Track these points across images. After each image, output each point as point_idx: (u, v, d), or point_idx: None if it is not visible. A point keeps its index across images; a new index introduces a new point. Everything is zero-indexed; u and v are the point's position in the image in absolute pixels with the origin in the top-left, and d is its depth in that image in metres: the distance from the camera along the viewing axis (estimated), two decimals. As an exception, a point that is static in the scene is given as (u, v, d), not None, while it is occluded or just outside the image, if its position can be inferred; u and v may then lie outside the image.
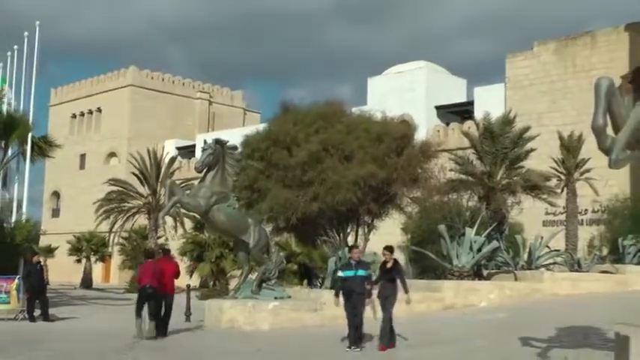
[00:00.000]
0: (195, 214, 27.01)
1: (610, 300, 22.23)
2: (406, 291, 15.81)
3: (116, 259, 63.28)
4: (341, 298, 15.85)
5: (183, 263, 39.58)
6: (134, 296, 20.82)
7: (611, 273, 27.58)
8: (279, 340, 16.43)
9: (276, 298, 20.20)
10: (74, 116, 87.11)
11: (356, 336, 15.36)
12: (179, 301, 22.03)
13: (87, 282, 57.41)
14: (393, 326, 15.52)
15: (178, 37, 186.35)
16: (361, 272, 15.54)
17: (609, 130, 10.19)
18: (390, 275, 15.70)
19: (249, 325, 19.77)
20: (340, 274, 16.10)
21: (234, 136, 32.41)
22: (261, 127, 40.08)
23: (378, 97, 57.21)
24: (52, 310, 24.08)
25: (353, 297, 15.43)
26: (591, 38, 51.88)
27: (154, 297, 18.65)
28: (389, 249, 16.21)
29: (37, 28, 41.48)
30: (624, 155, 9.82)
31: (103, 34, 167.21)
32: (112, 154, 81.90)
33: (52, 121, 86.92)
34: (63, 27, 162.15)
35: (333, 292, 16.56)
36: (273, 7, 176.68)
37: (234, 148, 22.80)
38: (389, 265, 15.77)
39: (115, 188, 53.93)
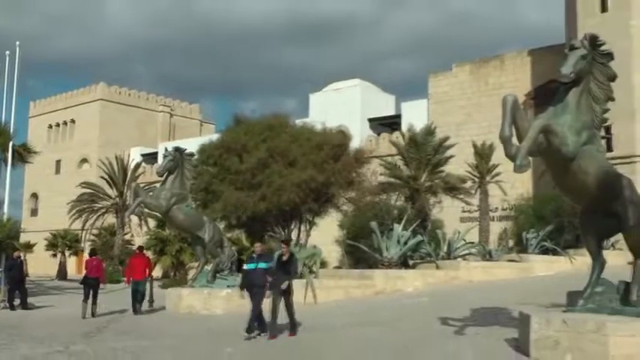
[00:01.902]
0: (157, 213, 26.74)
1: (516, 284, 22.50)
2: (289, 283, 14.61)
3: (88, 253, 62.67)
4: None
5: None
6: (104, 286, 21.57)
7: (516, 261, 27.85)
8: (230, 321, 16.28)
9: (228, 286, 20.13)
10: (50, 126, 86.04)
11: (261, 323, 14.35)
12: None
13: (62, 274, 56.53)
14: (295, 315, 14.61)
15: (143, 56, 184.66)
16: (262, 265, 14.65)
17: (514, 140, 10.36)
18: (285, 268, 14.67)
19: (205, 310, 19.78)
20: (245, 267, 15.24)
21: (191, 145, 32.22)
22: (216, 136, 40.02)
23: (319, 111, 57.30)
24: (30, 300, 23.70)
25: (254, 289, 14.50)
26: (500, 61, 52.61)
27: (96, 286, 20.64)
28: (286, 242, 15.83)
29: (17, 48, 40.87)
30: (527, 161, 9.97)
31: (77, 53, 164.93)
32: (84, 160, 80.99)
33: (31, 130, 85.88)
34: (41, 45, 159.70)
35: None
36: (227, 28, 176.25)
37: (192, 155, 22.73)
38: (284, 258, 14.80)
39: (86, 190, 53.84)
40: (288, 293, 14.55)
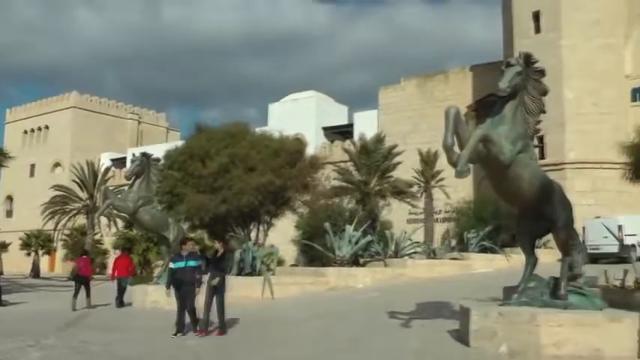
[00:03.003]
0: (125, 215, 26.54)
1: (457, 281, 22.70)
2: (221, 280, 13.77)
3: (60, 253, 62.39)
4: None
5: (115, 255, 38.86)
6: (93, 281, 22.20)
7: (458, 259, 28.13)
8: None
9: (191, 283, 20.04)
10: (26, 132, 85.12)
11: (193, 322, 13.70)
12: (112, 285, 22.07)
13: (35, 272, 55.67)
14: (224, 314, 13.79)
15: (114, 65, 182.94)
16: (191, 263, 13.79)
17: (456, 148, 10.51)
18: (218, 264, 13.92)
19: (169, 305, 19.50)
20: (171, 265, 14.25)
21: (158, 151, 31.94)
22: (180, 143, 39.78)
23: (277, 120, 57.38)
24: (4, 296, 23.28)
25: (183, 287, 13.67)
26: (445, 76, 53.27)
27: (87, 282, 21.18)
28: (221, 240, 15.23)
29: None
30: (467, 168, 10.12)
31: (51, 61, 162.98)
32: (57, 164, 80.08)
33: (7, 136, 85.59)
34: (18, 54, 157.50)
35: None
36: (191, 40, 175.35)
37: (158, 160, 22.61)
38: (219, 254, 14.13)
39: (59, 193, 53.20)
40: (221, 291, 13.77)
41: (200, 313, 13.76)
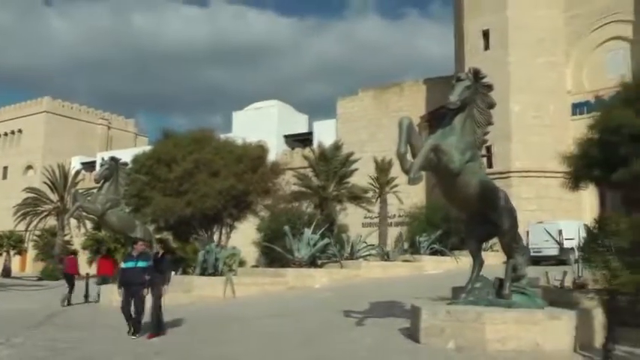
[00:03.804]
0: (93, 216, 26.26)
1: (409, 281, 22.82)
2: (167, 281, 13.36)
3: (31, 253, 61.18)
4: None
5: (84, 255, 38.36)
6: (46, 283, 21.91)
7: (410, 261, 28.28)
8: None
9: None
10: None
11: (136, 323, 13.06)
12: (80, 285, 21.80)
13: (6, 272, 54.61)
14: (162, 315, 13.26)
15: (85, 71, 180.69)
16: (141, 263, 13.19)
17: (409, 157, 10.61)
18: (159, 266, 13.34)
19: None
20: (122, 265, 13.68)
21: (126, 155, 31.76)
22: (148, 148, 39.42)
23: (241, 127, 57.24)
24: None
25: (132, 288, 13.08)
26: (400, 88, 53.59)
27: (72, 279, 21.35)
28: (161, 241, 14.69)
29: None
30: (419, 175, 10.23)
31: (25, 66, 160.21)
32: (29, 167, 78.87)
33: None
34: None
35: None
36: (159, 49, 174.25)
37: (126, 164, 22.49)
38: (158, 256, 13.66)
39: (30, 195, 52.38)
40: (158, 293, 13.13)
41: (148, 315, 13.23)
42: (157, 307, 13.05)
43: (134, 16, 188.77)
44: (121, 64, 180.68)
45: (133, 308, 13.14)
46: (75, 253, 25.26)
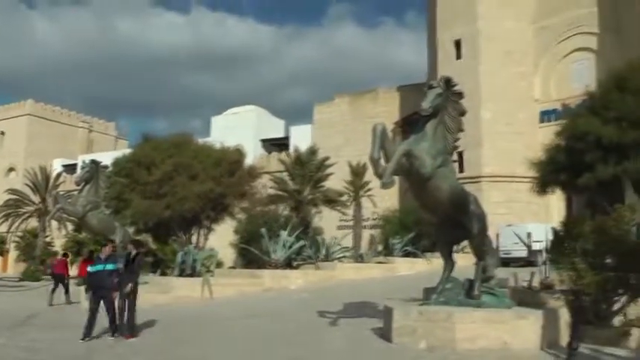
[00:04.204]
0: (74, 218, 26.04)
1: (382, 282, 22.94)
2: (134, 282, 12.72)
3: (12, 254, 60.46)
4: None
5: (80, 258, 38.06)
6: (28, 284, 21.72)
7: (383, 263, 28.39)
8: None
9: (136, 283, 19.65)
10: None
11: (112, 324, 12.58)
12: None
13: (-12, 273, 54.22)
14: (135, 316, 12.77)
15: (67, 74, 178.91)
16: (110, 266, 12.71)
17: (382, 162, 10.66)
18: (131, 267, 12.74)
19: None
20: (89, 269, 13.06)
21: (106, 158, 31.49)
22: (128, 151, 39.16)
23: (219, 131, 57.14)
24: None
25: (101, 291, 12.56)
26: (375, 94, 53.83)
27: (63, 280, 21.38)
28: (135, 242, 13.92)
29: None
30: (391, 179, 10.28)
31: (8, 70, 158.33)
32: (12, 169, 77.84)
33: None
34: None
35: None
36: (142, 53, 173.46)
37: (106, 167, 22.33)
38: (131, 257, 12.95)
39: (12, 196, 51.62)
40: (132, 294, 12.60)
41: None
42: (132, 308, 12.58)
43: (117, 21, 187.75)
44: (103, 68, 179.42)
45: (105, 313, 12.60)
46: (66, 255, 25.04)
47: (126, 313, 12.54)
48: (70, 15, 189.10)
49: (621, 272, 11.54)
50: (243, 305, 18.31)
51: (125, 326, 12.51)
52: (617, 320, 12.08)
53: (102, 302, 12.68)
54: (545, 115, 41.41)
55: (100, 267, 12.80)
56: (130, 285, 12.54)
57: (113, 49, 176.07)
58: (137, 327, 12.93)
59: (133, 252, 12.98)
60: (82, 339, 12.10)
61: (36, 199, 50.96)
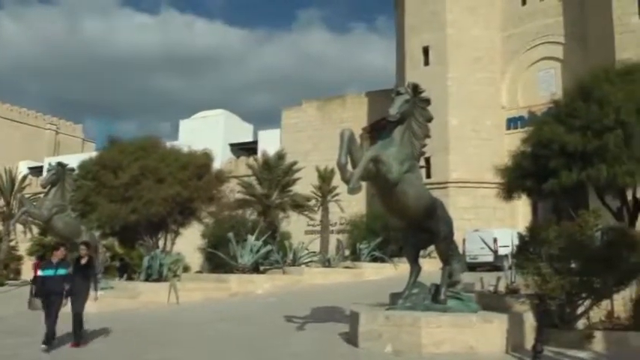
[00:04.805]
0: (40, 222, 25.68)
1: (349, 287, 22.92)
2: (95, 288, 12.42)
3: (-24, 257, 59.19)
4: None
5: (30, 261, 37.40)
6: None
7: (351, 268, 28.40)
8: (100, 320, 15.67)
9: (102, 288, 19.41)
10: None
11: (49, 334, 11.68)
12: (26, 290, 21.30)
13: (-47, 277, 52.86)
14: (84, 323, 12.23)
15: (34, 75, 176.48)
16: (61, 271, 11.97)
17: (350, 167, 10.70)
18: (84, 272, 12.18)
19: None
20: (40, 273, 12.27)
21: (73, 161, 31.09)
22: (95, 154, 38.74)
23: (187, 135, 56.74)
24: None
25: (52, 297, 11.80)
26: (343, 100, 53.98)
27: None
28: (86, 244, 13.01)
29: None
30: (358, 185, 10.32)
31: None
32: (-24, 171, 76.58)
33: None
34: None
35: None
36: (110, 55, 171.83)
37: (73, 170, 22.07)
38: (83, 261, 12.33)
39: (-24, 199, 50.48)
40: (81, 300, 12.04)
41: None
42: (80, 315, 12.01)
43: (86, 22, 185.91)
44: (71, 69, 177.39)
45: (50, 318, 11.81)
46: (44, 257, 24.68)
47: (73, 321, 11.97)
48: (38, 15, 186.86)
49: (585, 276, 11.74)
50: (209, 310, 18.23)
51: (73, 334, 11.98)
52: (581, 323, 12.29)
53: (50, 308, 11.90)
54: (512, 122, 41.92)
55: (50, 272, 12.05)
56: (94, 293, 12.29)
57: (81, 49, 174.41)
58: (85, 335, 12.42)
59: (84, 259, 12.35)
60: (44, 346, 11.52)
61: (0, 202, 50.08)
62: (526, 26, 42.91)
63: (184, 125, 62.67)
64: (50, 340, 11.69)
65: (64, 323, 12.00)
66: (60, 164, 21.14)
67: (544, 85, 40.48)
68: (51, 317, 11.76)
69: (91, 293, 12.26)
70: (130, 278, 27.17)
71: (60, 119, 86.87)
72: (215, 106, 64.53)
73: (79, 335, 12.04)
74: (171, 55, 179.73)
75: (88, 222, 29.68)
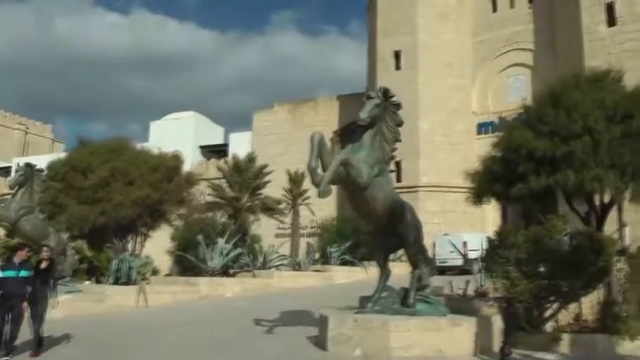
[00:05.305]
0: (6, 224, 25.27)
1: (319, 291, 22.97)
2: (53, 294, 11.81)
3: (-59, 260, 58.14)
4: None
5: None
6: None
7: (321, 271, 28.42)
8: (67, 325, 15.49)
9: (68, 292, 19.17)
10: None
11: (10, 342, 10.98)
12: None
13: None
14: (44, 330, 11.60)
15: (3, 74, 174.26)
16: (24, 273, 11.29)
17: (320, 170, 10.69)
18: (44, 276, 11.61)
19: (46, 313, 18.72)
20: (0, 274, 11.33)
21: (42, 162, 30.70)
22: (64, 155, 38.28)
23: (158, 136, 56.52)
24: None
25: (12, 300, 11.03)
26: (314, 103, 54.03)
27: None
28: (47, 247, 12.48)
29: None
30: (328, 188, 10.33)
31: None
32: (-58, 171, 75.39)
33: None
34: None
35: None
36: (82, 54, 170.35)
37: (41, 171, 21.74)
38: (44, 265, 11.76)
39: (-58, 200, 49.66)
40: (43, 307, 11.49)
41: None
42: (40, 323, 11.42)
43: (57, 20, 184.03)
44: (41, 68, 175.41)
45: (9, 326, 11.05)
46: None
47: (33, 328, 11.39)
48: (8, 12, 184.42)
49: (553, 280, 11.86)
50: (178, 313, 18.08)
51: (33, 342, 11.37)
52: (549, 326, 12.42)
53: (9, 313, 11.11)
54: (483, 128, 42.29)
55: (11, 273, 11.28)
56: (52, 300, 11.65)
57: (52, 48, 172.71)
58: (46, 343, 11.85)
59: (44, 263, 11.79)
60: (6, 357, 10.90)
61: (-35, 202, 49.37)
62: (496, 33, 43.38)
63: (155, 127, 62.33)
64: (10, 349, 11.04)
65: (24, 330, 11.54)
66: (28, 165, 20.83)
67: (514, 91, 40.95)
68: (10, 323, 11.03)
69: (50, 301, 11.65)
70: (98, 281, 26.87)
71: (29, 119, 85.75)
72: (187, 108, 64.49)
73: (39, 343, 11.43)
74: (143, 55, 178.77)
75: (57, 224, 29.30)
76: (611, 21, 35.48)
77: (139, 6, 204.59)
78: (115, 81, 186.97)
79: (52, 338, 12.65)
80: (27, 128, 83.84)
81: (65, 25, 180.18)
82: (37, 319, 11.37)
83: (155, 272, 28.48)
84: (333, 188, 10.77)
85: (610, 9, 35.58)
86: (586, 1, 36.45)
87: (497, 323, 11.49)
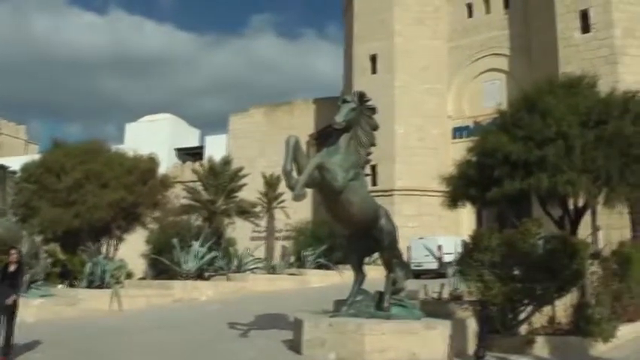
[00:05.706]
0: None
1: (294, 294, 22.88)
2: (16, 296, 11.01)
3: None
4: None
5: None
6: None
7: (296, 275, 28.39)
8: (41, 329, 15.28)
9: (41, 296, 18.88)
10: None
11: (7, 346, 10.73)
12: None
13: None
14: (14, 336, 11.04)
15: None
16: None
17: (295, 174, 10.67)
18: (12, 280, 11.06)
19: (18, 317, 18.41)
20: None
21: (15, 163, 30.37)
22: (38, 156, 37.88)
23: (133, 139, 56.10)
24: None
25: None
26: (291, 106, 54.10)
27: None
28: (16, 249, 11.66)
29: None
30: (303, 192, 10.31)
31: None
32: None
33: None
34: None
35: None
36: (57, 54, 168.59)
37: (14, 172, 21.51)
38: (12, 268, 11.15)
39: None
40: (13, 310, 10.94)
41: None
42: (10, 326, 10.91)
43: (33, 19, 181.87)
44: (15, 67, 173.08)
45: None
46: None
47: (3, 332, 10.87)
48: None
49: (527, 283, 11.94)
50: (152, 317, 17.93)
51: (5, 349, 10.85)
52: (523, 329, 12.50)
53: None
54: (458, 132, 42.57)
55: None
56: (12, 297, 10.90)
57: (27, 47, 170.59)
58: (14, 348, 11.34)
59: (12, 266, 11.18)
60: None
61: None
62: (472, 38, 43.74)
63: (130, 129, 61.97)
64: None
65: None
66: (1, 166, 20.63)
67: (489, 96, 41.13)
68: None
69: (11, 297, 10.91)
70: (71, 285, 26.58)
71: (2, 119, 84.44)
72: (163, 110, 64.39)
73: (5, 350, 10.90)
74: (119, 56, 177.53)
75: (30, 227, 28.97)
76: (586, 28, 35.93)
77: (116, 6, 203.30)
78: (91, 82, 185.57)
79: (24, 343, 12.44)
80: (0, 129, 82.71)
81: (40, 24, 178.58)
82: (5, 323, 10.89)
83: (129, 276, 28.26)
84: (308, 192, 10.77)
85: (584, 16, 36.03)
86: (561, 8, 36.88)
87: (472, 326, 11.55)
